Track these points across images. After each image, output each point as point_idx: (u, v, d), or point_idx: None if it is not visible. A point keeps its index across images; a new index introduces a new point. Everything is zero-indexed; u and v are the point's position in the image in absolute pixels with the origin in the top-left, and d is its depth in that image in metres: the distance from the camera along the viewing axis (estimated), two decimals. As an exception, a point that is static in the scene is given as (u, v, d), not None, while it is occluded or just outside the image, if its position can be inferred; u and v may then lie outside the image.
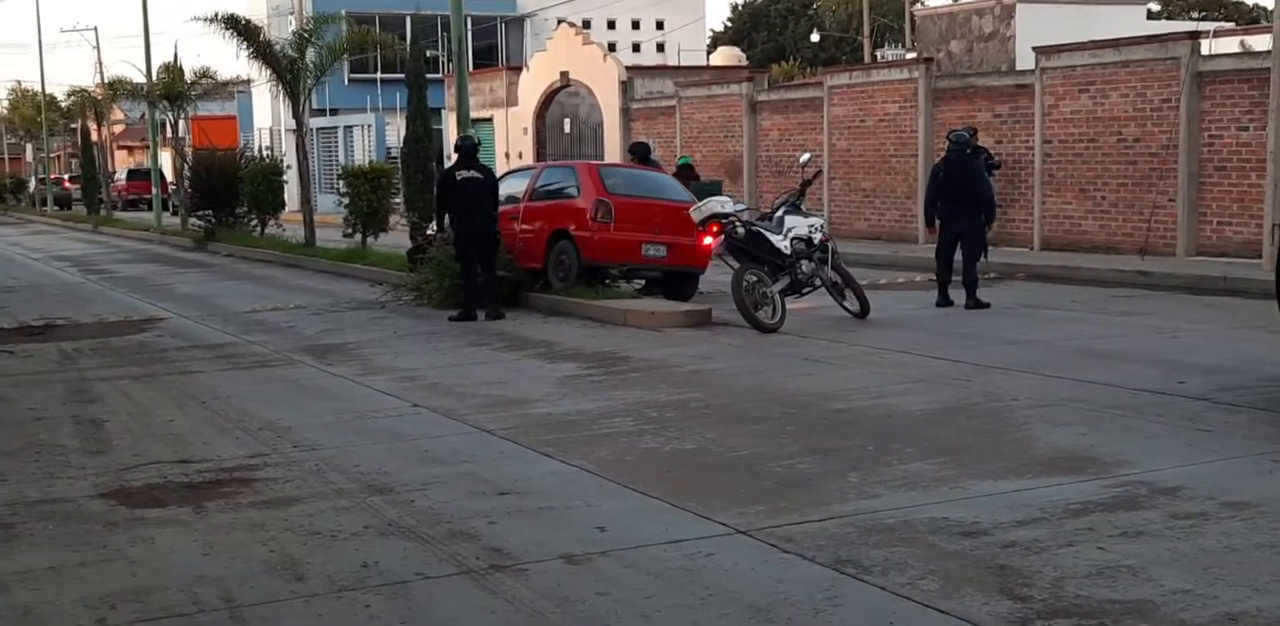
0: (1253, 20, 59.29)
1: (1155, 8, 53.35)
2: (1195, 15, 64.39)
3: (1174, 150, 17.75)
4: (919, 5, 59.75)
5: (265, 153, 33.41)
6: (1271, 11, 16.84)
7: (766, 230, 12.87)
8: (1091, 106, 18.97)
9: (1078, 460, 6.85)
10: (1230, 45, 26.30)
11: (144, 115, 44.95)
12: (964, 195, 13.71)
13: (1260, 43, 23.40)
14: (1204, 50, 18.66)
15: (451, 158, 14.79)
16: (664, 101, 29.05)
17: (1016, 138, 20.13)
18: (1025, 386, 9.03)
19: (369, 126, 40.91)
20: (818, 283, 13.04)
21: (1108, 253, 18.43)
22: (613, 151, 30.13)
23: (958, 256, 13.85)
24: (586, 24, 49.65)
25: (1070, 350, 10.68)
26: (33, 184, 61.63)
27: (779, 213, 13.19)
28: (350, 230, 22.21)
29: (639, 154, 17.92)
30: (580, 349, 11.64)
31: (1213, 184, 17.46)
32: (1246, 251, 16.67)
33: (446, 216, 14.15)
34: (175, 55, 41.29)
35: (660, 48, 60.61)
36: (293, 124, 26.42)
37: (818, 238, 13.05)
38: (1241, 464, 6.70)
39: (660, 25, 61.66)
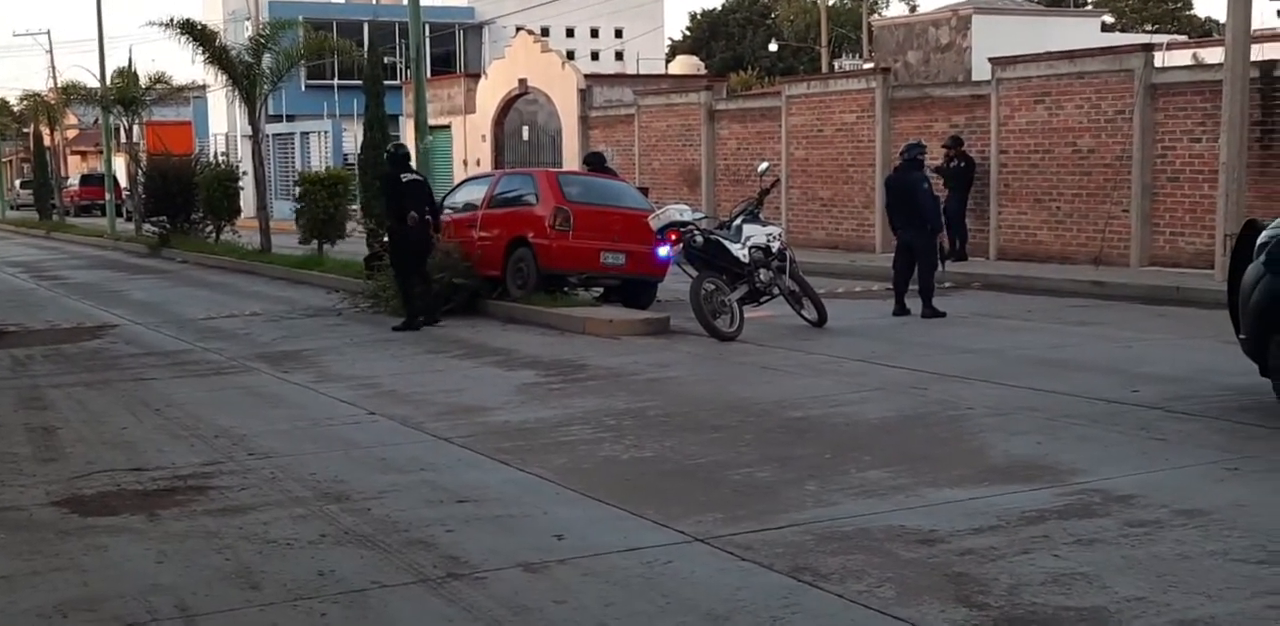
0: (1205, 33, 60.02)
1: (1110, 20, 53.87)
2: (1149, 28, 65.15)
3: (1128, 161, 17.91)
4: (876, 16, 60.16)
5: (221, 158, 33.13)
6: (1223, 25, 17.04)
7: (725, 238, 12.89)
8: (1047, 117, 19.12)
9: (1033, 468, 6.89)
10: (1183, 58, 26.63)
11: (98, 120, 44.59)
12: (906, 206, 13.86)
13: (1212, 56, 23.71)
14: (1157, 62, 18.84)
15: (414, 164, 14.80)
16: (623, 109, 29.07)
17: (973, 148, 20.24)
18: (981, 395, 9.08)
19: (326, 133, 40.72)
20: (776, 291, 13.07)
21: (1062, 263, 18.57)
22: (571, 159, 30.10)
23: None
24: (545, 32, 49.65)
25: (1026, 359, 10.75)
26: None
27: (737, 221, 13.21)
28: (307, 237, 22.11)
29: (594, 164, 17.90)
30: (538, 356, 11.62)
31: (1166, 195, 17.63)
32: (1199, 262, 16.84)
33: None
34: (130, 60, 40.89)
35: (619, 56, 60.72)
36: (249, 130, 26.28)
37: (776, 246, 13.08)
38: (1194, 472, 6.76)
39: (619, 34, 61.77)
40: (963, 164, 19.73)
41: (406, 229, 13.79)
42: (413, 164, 15.03)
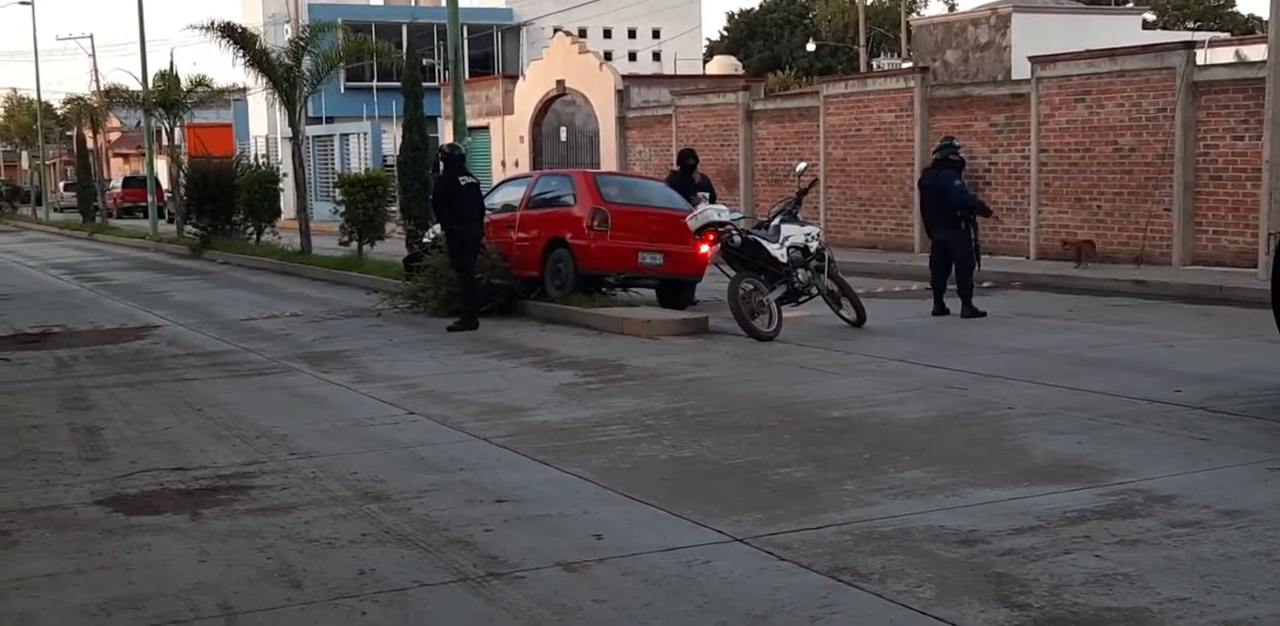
0: (1248, 30, 59.48)
1: (1151, 18, 53.45)
2: (1191, 25, 64.64)
3: (1169, 160, 17.77)
4: (915, 15, 59.91)
5: (261, 160, 33.39)
6: (1266, 21, 16.88)
7: (763, 238, 12.88)
8: (1087, 116, 18.99)
9: (1074, 468, 6.85)
10: (1226, 55, 26.43)
11: (140, 123, 44.98)
12: (938, 204, 13.82)
13: (1255, 53, 23.51)
14: (1199, 60, 18.69)
15: (440, 166, 14.86)
16: (660, 110, 29.07)
17: (1013, 147, 20.16)
18: (1022, 395, 9.04)
19: (365, 134, 40.92)
20: (814, 291, 13.04)
21: (1103, 262, 18.45)
22: (609, 160, 30.14)
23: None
24: (583, 33, 49.71)
25: (1067, 359, 10.69)
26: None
27: (775, 221, 13.20)
28: (346, 238, 22.23)
29: (695, 161, 17.09)
30: (577, 357, 11.64)
31: (1208, 193, 17.48)
32: (1242, 261, 16.69)
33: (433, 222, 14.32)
34: (171, 63, 41.32)
35: (656, 56, 60.72)
36: (289, 132, 26.44)
37: (814, 246, 13.05)
38: (1237, 472, 6.71)
39: (656, 34, 61.77)
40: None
41: (464, 229, 13.90)
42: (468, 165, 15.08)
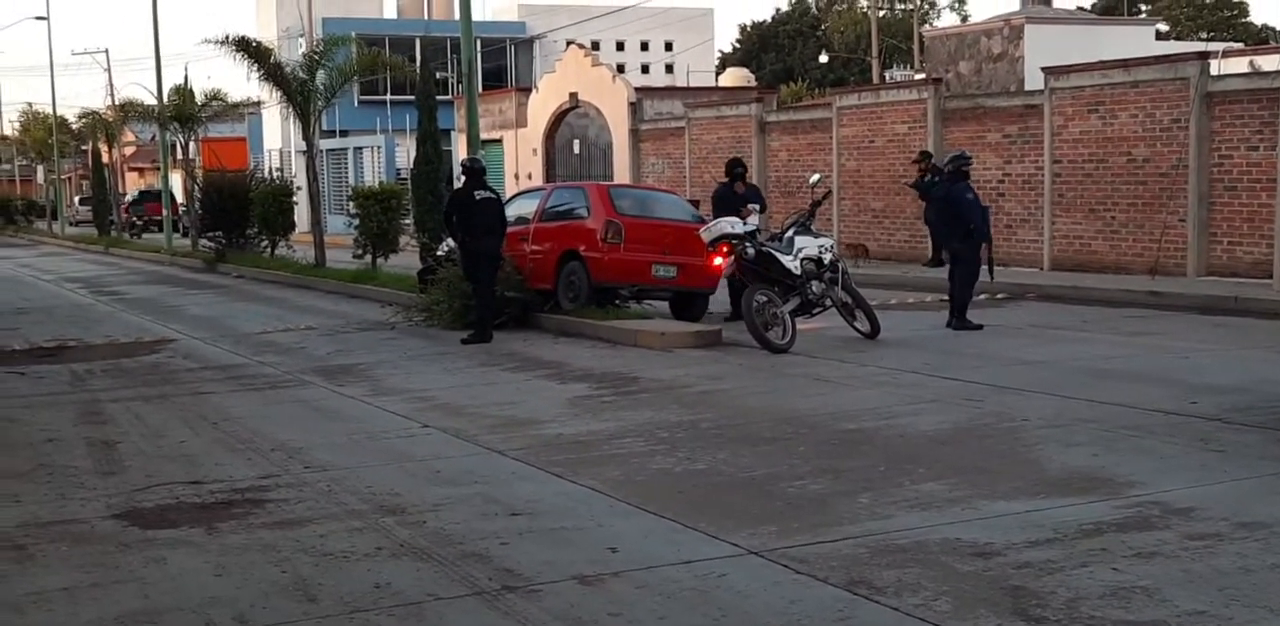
0: (1261, 41, 59.41)
1: (1164, 28, 53.44)
2: (1204, 35, 64.56)
3: (1184, 170, 17.75)
4: (928, 26, 59.92)
5: (275, 174, 33.45)
6: (1280, 32, 16.84)
7: (776, 250, 12.88)
8: (1101, 127, 18.97)
9: (1090, 480, 6.83)
10: (1239, 65, 26.38)
11: (155, 137, 45.15)
12: (951, 216, 13.81)
13: (1269, 63, 23.47)
14: (1213, 70, 18.66)
15: (460, 179, 14.84)
16: (673, 122, 29.10)
17: (1026, 158, 20.14)
18: (1037, 407, 9.01)
19: (379, 148, 41.05)
20: (828, 303, 13.04)
21: (1118, 273, 18.41)
22: (622, 172, 30.17)
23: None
24: (595, 45, 49.80)
25: (1082, 370, 10.66)
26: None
27: (789, 233, 13.20)
28: (360, 251, 22.27)
29: (744, 169, 16.13)
30: (591, 369, 11.64)
31: (1223, 204, 17.44)
32: (1257, 271, 16.64)
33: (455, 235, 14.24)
34: (186, 77, 41.51)
35: (669, 69, 60.82)
36: (303, 145, 26.52)
37: (828, 258, 13.05)
38: (1254, 484, 6.68)
39: (669, 47, 61.87)
40: (936, 178, 19.48)
41: (475, 242, 13.86)
42: (487, 178, 14.88)
